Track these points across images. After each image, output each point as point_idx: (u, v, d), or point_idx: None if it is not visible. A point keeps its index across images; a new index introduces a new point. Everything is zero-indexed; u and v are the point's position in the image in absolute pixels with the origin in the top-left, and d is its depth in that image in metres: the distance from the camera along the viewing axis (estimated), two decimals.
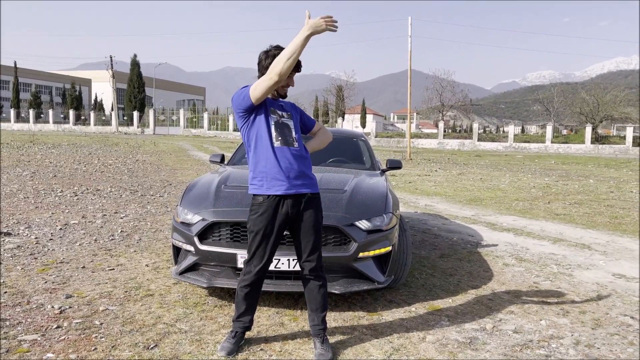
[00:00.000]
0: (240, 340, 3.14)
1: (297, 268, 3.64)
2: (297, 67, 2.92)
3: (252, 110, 2.95)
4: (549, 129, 42.42)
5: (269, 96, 3.02)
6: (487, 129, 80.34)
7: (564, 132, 51.17)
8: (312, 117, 3.30)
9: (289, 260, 3.62)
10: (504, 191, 12.00)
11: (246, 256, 3.65)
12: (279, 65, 2.75)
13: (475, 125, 46.75)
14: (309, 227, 3.06)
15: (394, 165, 5.62)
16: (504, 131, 57.86)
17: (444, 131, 47.48)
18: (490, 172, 17.80)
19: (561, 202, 10.28)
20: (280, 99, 3.13)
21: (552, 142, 41.21)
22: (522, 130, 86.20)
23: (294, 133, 3.05)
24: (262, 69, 2.97)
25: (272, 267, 3.63)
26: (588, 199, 10.85)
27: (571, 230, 7.39)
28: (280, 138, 2.97)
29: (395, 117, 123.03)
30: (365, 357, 3.09)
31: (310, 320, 3.18)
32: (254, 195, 3.04)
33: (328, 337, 3.20)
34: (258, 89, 2.85)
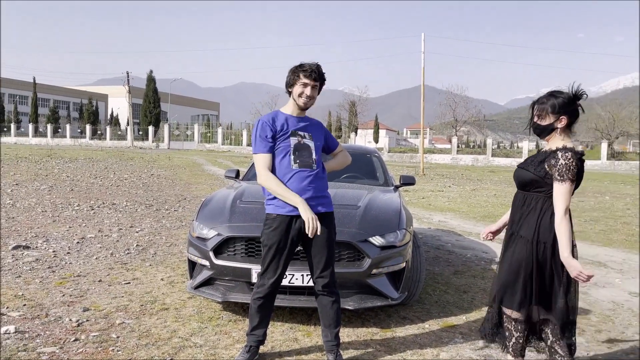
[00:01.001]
0: (254, 355, 3.17)
1: (312, 283, 3.66)
2: (322, 80, 3.12)
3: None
4: None
5: (293, 115, 3.15)
6: (501, 144, 79.94)
7: (580, 147, 50.67)
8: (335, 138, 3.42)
9: (302, 275, 3.65)
10: None
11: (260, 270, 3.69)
12: (264, 184, 3.09)
13: (489, 141, 46.54)
14: (322, 243, 3.10)
15: (408, 181, 5.63)
16: (518, 147, 57.56)
17: (458, 147, 47.35)
18: (504, 188, 17.70)
19: (576, 218, 10.19)
20: (307, 118, 3.23)
21: None
22: (537, 146, 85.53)
23: (314, 155, 3.12)
24: (287, 87, 3.16)
25: (286, 283, 3.66)
26: (604, 215, 10.74)
27: (586, 247, 7.32)
28: (298, 161, 3.06)
29: (409, 132, 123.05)
30: None
31: (324, 336, 3.20)
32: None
33: (341, 352, 3.21)
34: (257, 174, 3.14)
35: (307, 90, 3.09)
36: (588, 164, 38.86)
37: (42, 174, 16.25)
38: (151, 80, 62.65)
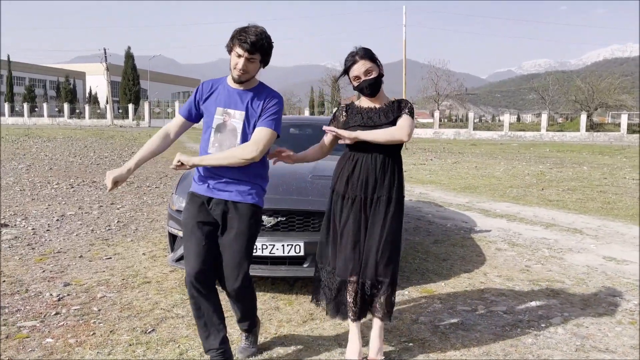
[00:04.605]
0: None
1: (292, 253, 3.70)
2: (263, 52, 2.56)
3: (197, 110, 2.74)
4: (544, 117, 42.54)
5: (232, 86, 2.66)
6: (482, 118, 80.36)
7: (559, 120, 51.21)
8: (278, 125, 2.65)
9: (283, 245, 3.68)
10: (499, 179, 12.08)
11: None
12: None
13: (471, 115, 46.81)
14: (230, 238, 2.62)
15: None
16: (499, 120, 58.02)
17: (440, 120, 47.50)
18: (485, 160, 17.88)
19: (555, 188, 10.37)
20: (258, 89, 2.68)
21: (547, 130, 41.34)
22: (518, 119, 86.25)
23: (238, 138, 2.61)
24: (228, 50, 2.59)
25: (267, 253, 3.68)
26: (581, 185, 10.94)
27: (563, 215, 7.47)
28: (216, 144, 2.63)
29: None
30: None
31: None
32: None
33: (321, 319, 3.25)
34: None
35: (240, 63, 2.51)
36: (567, 135, 39.51)
37: (19, 153, 15.95)
38: (129, 57, 61.42)
